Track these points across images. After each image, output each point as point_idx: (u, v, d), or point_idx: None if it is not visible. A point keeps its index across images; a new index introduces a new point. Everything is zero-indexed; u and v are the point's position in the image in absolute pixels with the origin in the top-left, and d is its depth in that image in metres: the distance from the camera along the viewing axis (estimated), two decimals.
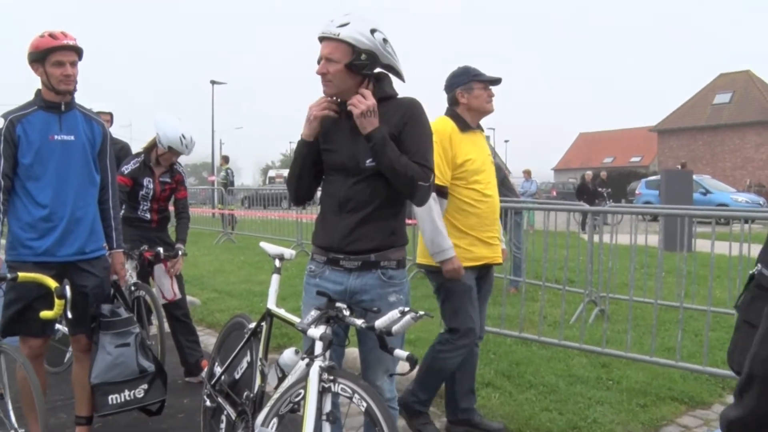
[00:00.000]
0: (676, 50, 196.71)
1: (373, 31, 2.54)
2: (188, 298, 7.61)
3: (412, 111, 2.63)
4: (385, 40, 2.58)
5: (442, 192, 3.54)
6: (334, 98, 2.66)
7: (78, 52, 3.26)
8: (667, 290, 7.10)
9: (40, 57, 3.20)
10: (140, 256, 4.61)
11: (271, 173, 47.41)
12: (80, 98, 3.44)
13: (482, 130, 3.82)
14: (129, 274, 4.55)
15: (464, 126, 3.64)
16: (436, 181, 3.42)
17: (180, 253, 4.78)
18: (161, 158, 4.75)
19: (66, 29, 3.28)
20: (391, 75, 2.71)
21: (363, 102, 2.54)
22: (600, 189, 21.35)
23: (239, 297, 7.96)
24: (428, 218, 3.47)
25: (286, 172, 2.69)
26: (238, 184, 31.63)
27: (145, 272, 4.75)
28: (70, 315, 3.01)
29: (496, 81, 3.69)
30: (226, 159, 20.43)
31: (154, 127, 4.71)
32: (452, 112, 3.69)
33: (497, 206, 3.79)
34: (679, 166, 16.67)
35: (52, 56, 3.19)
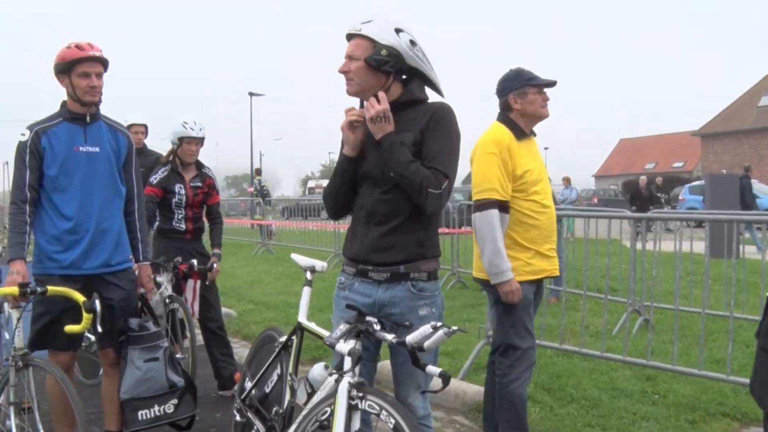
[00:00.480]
0: (719, 52, 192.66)
1: (398, 31, 2.46)
2: (224, 309, 7.63)
3: (437, 115, 2.53)
4: (412, 42, 2.49)
5: (504, 207, 3.32)
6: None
7: (104, 63, 3.27)
8: (714, 299, 6.83)
9: (66, 68, 3.22)
10: (175, 268, 4.59)
11: (311, 184, 47.70)
12: (117, 110, 3.46)
13: (535, 135, 3.57)
14: (164, 286, 4.55)
15: (520, 133, 3.41)
16: (497, 197, 3.27)
17: (215, 265, 4.76)
18: (182, 155, 4.76)
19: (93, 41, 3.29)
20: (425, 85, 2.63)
21: (374, 106, 2.46)
22: (658, 194, 20.63)
23: (275, 309, 7.93)
24: (490, 238, 3.26)
25: (325, 183, 2.60)
26: (278, 195, 31.97)
27: (179, 285, 4.73)
28: (100, 329, 2.98)
29: (551, 84, 3.46)
30: (258, 171, 20.84)
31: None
32: (506, 119, 3.45)
33: (554, 217, 3.57)
34: (744, 170, 16.04)
35: (78, 67, 3.20)
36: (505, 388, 3.44)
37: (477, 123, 3.55)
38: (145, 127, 6.44)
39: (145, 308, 3.61)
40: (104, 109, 3.43)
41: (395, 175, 2.46)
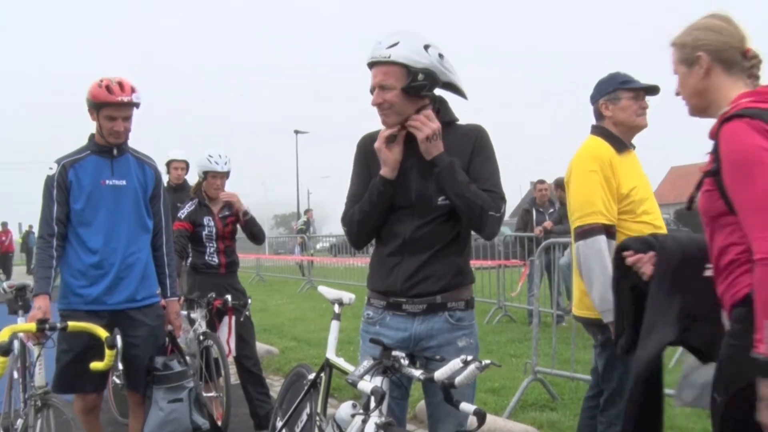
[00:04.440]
0: None
1: (426, 47, 2.29)
2: (266, 346, 7.55)
3: (482, 138, 2.41)
4: (440, 56, 2.33)
5: (610, 233, 2.89)
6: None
7: (134, 105, 3.22)
8: None
9: (95, 107, 3.20)
10: (209, 304, 4.49)
11: None
12: (163, 147, 3.44)
13: (634, 148, 3.16)
14: (198, 323, 4.46)
15: (620, 146, 3.00)
16: (603, 221, 2.87)
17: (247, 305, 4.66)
18: (206, 189, 4.71)
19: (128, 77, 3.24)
20: (451, 93, 2.49)
21: (427, 125, 2.28)
22: None
23: (318, 345, 7.76)
24: (599, 268, 2.79)
25: None
26: (327, 232, 32.07)
27: (213, 321, 4.63)
28: (121, 366, 2.90)
29: (652, 89, 3.02)
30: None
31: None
32: (602, 130, 3.05)
33: None
34: None
35: (106, 110, 3.18)
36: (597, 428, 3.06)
37: None
38: (186, 163, 6.48)
39: (173, 346, 3.52)
40: (151, 145, 3.40)
41: (454, 196, 2.29)
